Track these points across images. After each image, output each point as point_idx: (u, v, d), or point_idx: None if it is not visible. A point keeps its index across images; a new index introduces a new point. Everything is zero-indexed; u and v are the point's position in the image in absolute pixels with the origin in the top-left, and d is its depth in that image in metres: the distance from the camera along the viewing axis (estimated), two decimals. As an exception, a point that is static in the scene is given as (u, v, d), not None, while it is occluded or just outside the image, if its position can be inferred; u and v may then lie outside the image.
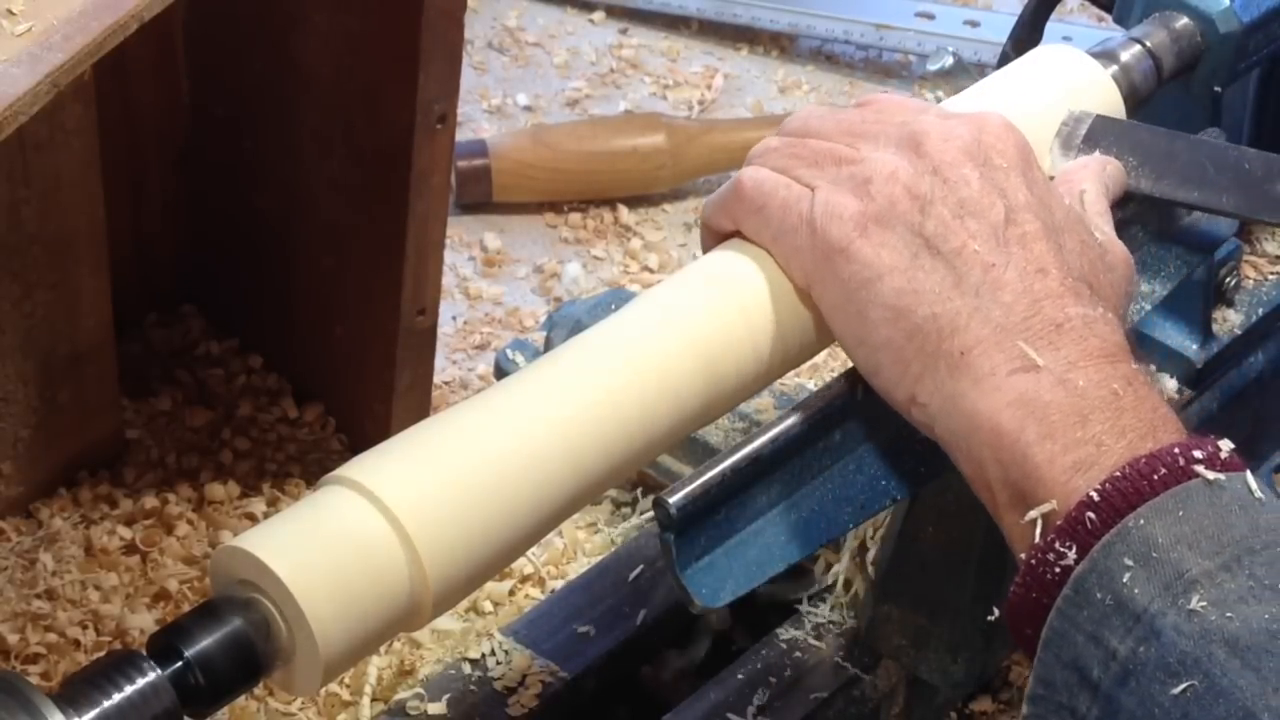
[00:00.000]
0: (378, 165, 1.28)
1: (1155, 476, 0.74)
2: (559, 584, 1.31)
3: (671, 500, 0.82)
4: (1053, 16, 1.16)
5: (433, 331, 1.37)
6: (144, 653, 0.73)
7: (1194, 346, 1.21)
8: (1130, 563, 0.73)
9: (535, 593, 1.32)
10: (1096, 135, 0.95)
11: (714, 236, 0.91)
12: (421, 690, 1.13)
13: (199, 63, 1.41)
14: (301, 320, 1.44)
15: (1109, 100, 0.99)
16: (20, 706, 0.68)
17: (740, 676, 1.12)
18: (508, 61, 1.94)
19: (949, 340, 0.80)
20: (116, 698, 0.71)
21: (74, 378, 1.32)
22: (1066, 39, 1.35)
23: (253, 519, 1.36)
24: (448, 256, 1.49)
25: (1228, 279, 1.21)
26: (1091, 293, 0.82)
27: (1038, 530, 0.76)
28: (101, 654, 1.00)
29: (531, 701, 1.13)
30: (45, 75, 0.86)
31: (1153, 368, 1.21)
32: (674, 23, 2.01)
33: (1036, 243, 0.82)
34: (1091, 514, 0.74)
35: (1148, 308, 0.99)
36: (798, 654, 1.14)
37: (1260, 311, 1.23)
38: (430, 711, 1.12)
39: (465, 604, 1.29)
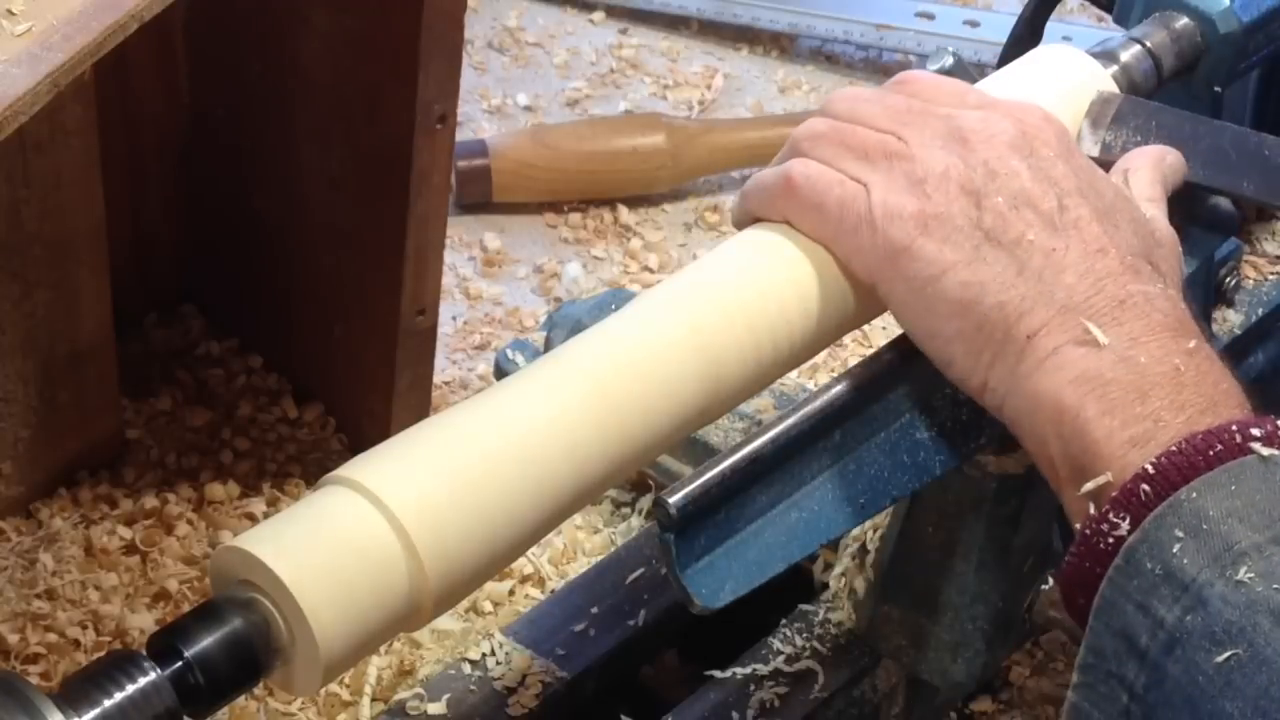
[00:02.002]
0: (378, 165, 1.28)
1: (1211, 452, 0.75)
2: (559, 584, 1.31)
3: (671, 500, 0.82)
4: (1053, 16, 1.16)
5: (433, 331, 1.37)
6: (144, 653, 0.73)
7: (1194, 346, 1.21)
8: (1180, 534, 0.73)
9: (535, 593, 1.32)
10: (1125, 116, 0.96)
11: (753, 221, 0.92)
12: (421, 690, 1.13)
13: (199, 63, 1.41)
14: (301, 320, 1.44)
15: (1109, 100, 0.99)
16: (20, 706, 0.68)
17: (740, 676, 1.12)
18: (508, 61, 1.94)
19: (1016, 326, 0.82)
20: (116, 698, 0.71)
21: (74, 378, 1.32)
22: (1066, 39, 1.35)
23: (253, 519, 1.36)
24: (448, 256, 1.49)
25: (1227, 279, 1.21)
26: (1151, 269, 0.84)
27: (1092, 504, 0.77)
28: (101, 654, 1.00)
29: (531, 701, 1.13)
30: (45, 75, 0.86)
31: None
32: (674, 23, 2.01)
33: (1091, 225, 0.84)
34: (1146, 486, 0.75)
35: None
36: (798, 654, 1.14)
37: (1260, 311, 1.23)
38: (430, 711, 1.12)
39: (465, 604, 1.29)
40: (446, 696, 1.12)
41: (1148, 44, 1.03)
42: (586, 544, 1.37)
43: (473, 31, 1.94)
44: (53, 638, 1.25)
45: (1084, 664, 0.76)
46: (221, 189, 1.44)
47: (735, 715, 1.10)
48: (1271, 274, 1.26)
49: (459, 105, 1.26)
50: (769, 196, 0.91)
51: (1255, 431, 0.76)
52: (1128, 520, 0.75)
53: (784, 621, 1.16)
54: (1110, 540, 0.76)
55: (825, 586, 1.18)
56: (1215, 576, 0.72)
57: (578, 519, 1.37)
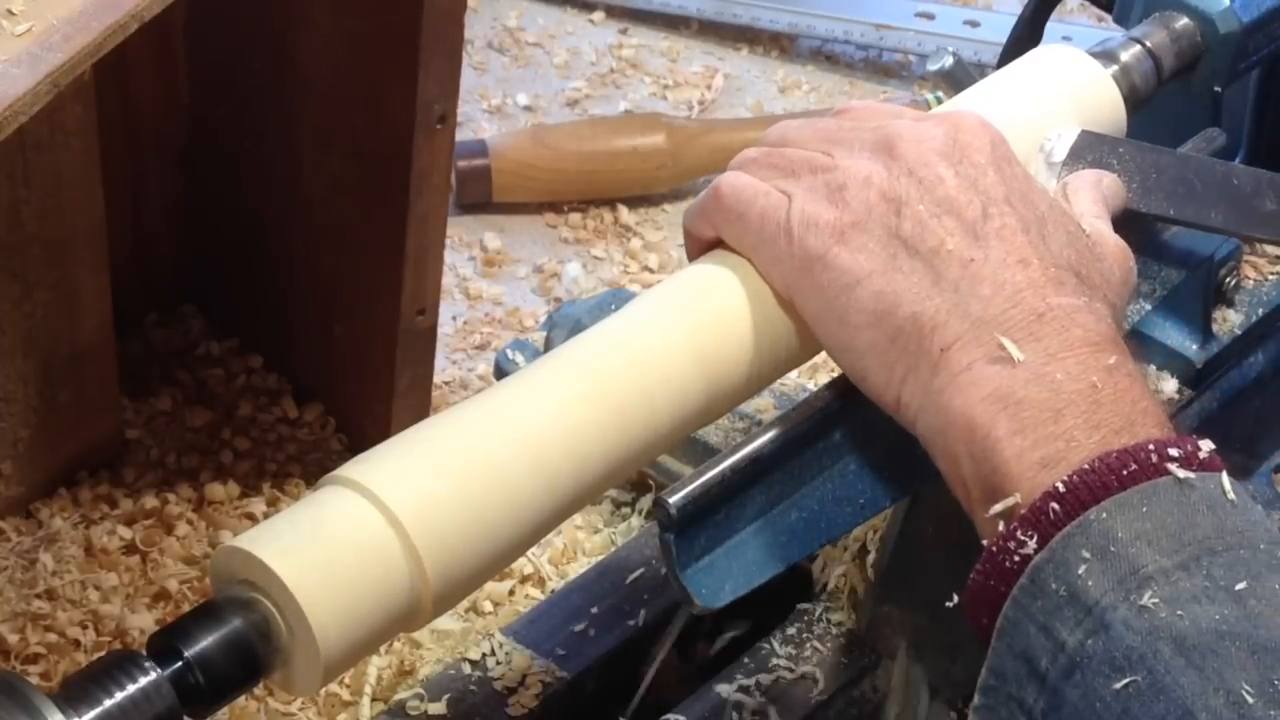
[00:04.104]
0: (378, 165, 1.28)
1: (1125, 471, 0.73)
2: (559, 584, 1.31)
3: (671, 500, 0.82)
4: (1053, 16, 1.16)
5: (433, 331, 1.37)
6: (144, 653, 0.73)
7: (1194, 346, 1.21)
8: (1087, 555, 0.72)
9: (535, 593, 1.32)
10: (1081, 150, 0.94)
11: (696, 243, 0.90)
12: (421, 690, 1.13)
13: (199, 63, 1.41)
14: (301, 320, 1.44)
15: (1110, 100, 0.99)
16: (20, 706, 0.68)
17: (740, 676, 1.12)
18: (508, 61, 1.94)
19: (930, 339, 0.80)
20: (116, 698, 0.71)
21: (74, 378, 1.32)
22: (1066, 39, 1.35)
23: (253, 519, 1.36)
24: (448, 256, 1.49)
25: (1228, 279, 1.20)
26: (1078, 282, 0.81)
27: (1002, 524, 0.75)
28: (101, 654, 1.00)
29: (531, 701, 1.13)
30: (45, 75, 0.86)
31: (1151, 367, 1.21)
32: (674, 23, 2.01)
33: (1016, 235, 0.82)
34: (1055, 505, 0.73)
35: (1134, 319, 0.99)
36: (798, 654, 1.14)
37: (1260, 311, 1.23)
38: (430, 711, 1.12)
39: (465, 604, 1.29)
40: (446, 696, 1.13)
41: (1148, 44, 1.03)
42: (586, 544, 1.37)
43: (473, 31, 1.94)
44: (53, 638, 1.25)
45: (985, 686, 0.74)
46: (221, 189, 1.44)
47: (735, 715, 1.10)
48: (1271, 274, 1.26)
49: (459, 105, 1.26)
50: (700, 210, 0.89)
51: (1173, 452, 0.74)
52: (1035, 539, 0.73)
53: (784, 621, 1.16)
54: (1017, 559, 0.74)
55: (825, 586, 1.18)
56: (1119, 600, 0.70)
57: (578, 519, 1.37)
